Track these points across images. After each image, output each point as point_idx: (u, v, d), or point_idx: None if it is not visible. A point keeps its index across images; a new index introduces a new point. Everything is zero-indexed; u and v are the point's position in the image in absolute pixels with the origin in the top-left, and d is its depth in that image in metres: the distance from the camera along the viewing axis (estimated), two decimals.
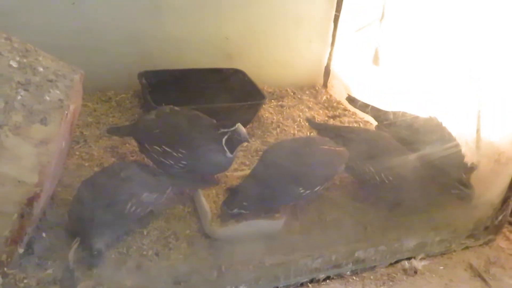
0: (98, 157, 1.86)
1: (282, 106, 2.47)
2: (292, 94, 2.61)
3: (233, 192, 1.56)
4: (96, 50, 2.25)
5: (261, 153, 2.03)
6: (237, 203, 1.52)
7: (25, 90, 1.28)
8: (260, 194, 1.52)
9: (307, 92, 2.66)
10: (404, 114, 1.86)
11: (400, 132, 1.73)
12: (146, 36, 2.33)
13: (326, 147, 1.65)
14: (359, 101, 2.07)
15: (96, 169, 1.78)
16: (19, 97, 1.26)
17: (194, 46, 2.44)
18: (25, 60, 1.35)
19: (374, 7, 2.37)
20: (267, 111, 2.38)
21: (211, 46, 2.48)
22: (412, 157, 1.65)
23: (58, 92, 1.32)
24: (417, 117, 1.81)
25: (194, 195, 1.69)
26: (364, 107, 2.01)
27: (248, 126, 2.23)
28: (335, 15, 2.56)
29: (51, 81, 1.34)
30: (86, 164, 1.80)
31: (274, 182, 1.54)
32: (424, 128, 1.75)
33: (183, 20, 2.38)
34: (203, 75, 2.35)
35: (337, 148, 1.68)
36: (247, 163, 1.96)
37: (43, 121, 1.24)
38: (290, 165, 1.56)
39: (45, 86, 1.31)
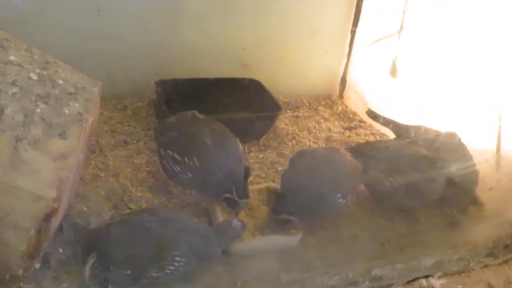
0: (113, 167, 1.85)
1: (297, 117, 2.45)
2: (307, 104, 2.59)
3: (280, 197, 1.54)
4: (113, 57, 2.26)
5: (277, 165, 2.03)
6: (285, 208, 1.51)
7: (45, 103, 1.28)
8: (306, 201, 1.51)
9: (322, 103, 2.64)
10: (426, 130, 1.83)
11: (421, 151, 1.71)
12: (163, 45, 2.33)
13: (349, 158, 1.63)
14: (381, 117, 2.05)
15: (111, 179, 1.78)
16: (38, 110, 1.26)
17: (211, 55, 2.43)
18: (45, 72, 1.35)
19: (391, 19, 2.35)
20: (283, 121, 2.36)
21: (227, 55, 2.47)
22: (434, 174, 1.62)
23: (77, 105, 1.31)
24: (438, 135, 1.79)
25: (209, 209, 1.68)
26: (386, 124, 1.98)
27: (263, 137, 2.21)
28: (352, 29, 2.54)
29: (70, 94, 1.33)
30: (102, 175, 1.79)
31: (317, 189, 1.54)
32: (445, 146, 1.72)
33: (200, 29, 2.38)
34: (219, 85, 2.34)
35: (356, 161, 1.67)
36: (263, 175, 1.94)
37: (62, 135, 1.24)
38: (327, 172, 1.56)
39: (64, 99, 1.31)
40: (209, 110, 2.15)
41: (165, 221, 1.36)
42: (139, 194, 1.74)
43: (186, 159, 1.58)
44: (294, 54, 2.59)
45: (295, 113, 2.48)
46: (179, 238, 1.34)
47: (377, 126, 2.43)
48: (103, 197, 1.67)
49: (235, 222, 1.45)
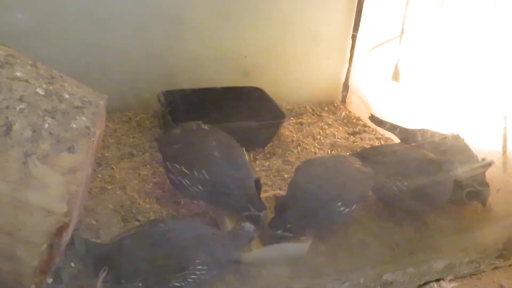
0: (120, 179, 1.85)
1: (301, 124, 2.45)
2: (311, 110, 2.60)
3: (278, 211, 1.54)
4: (116, 69, 2.26)
5: (283, 173, 2.03)
6: (282, 224, 1.51)
7: (52, 118, 1.28)
8: (304, 215, 1.51)
9: (326, 109, 2.64)
10: (432, 134, 1.83)
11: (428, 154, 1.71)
12: (166, 56, 2.34)
13: (357, 165, 1.63)
14: (387, 122, 2.05)
15: (118, 192, 1.78)
16: (46, 125, 1.26)
17: (213, 65, 2.44)
18: (51, 87, 1.35)
19: (392, 24, 2.36)
20: (287, 129, 2.37)
21: (229, 64, 2.48)
22: (442, 177, 1.62)
23: (84, 119, 1.31)
24: (445, 138, 1.79)
25: (217, 217, 1.68)
26: (392, 129, 1.99)
27: (268, 145, 2.21)
28: (353, 34, 2.55)
29: (77, 108, 1.33)
30: (109, 187, 1.79)
31: (316, 201, 1.53)
32: (451, 149, 1.72)
33: (202, 39, 2.38)
34: (222, 94, 2.35)
35: (366, 168, 1.66)
36: (270, 183, 1.94)
37: (71, 149, 1.24)
38: (328, 182, 1.54)
39: (71, 113, 1.31)
40: (213, 119, 2.16)
41: (182, 230, 1.35)
42: (147, 206, 1.74)
43: (195, 172, 1.58)
44: (295, 61, 2.59)
45: (299, 120, 2.49)
46: (198, 246, 1.33)
47: (381, 130, 2.43)
48: (111, 210, 1.68)
49: (247, 225, 1.45)
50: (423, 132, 1.88)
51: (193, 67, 2.40)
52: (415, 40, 2.26)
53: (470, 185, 1.69)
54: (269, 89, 2.43)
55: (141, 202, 1.75)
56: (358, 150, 2.23)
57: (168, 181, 1.71)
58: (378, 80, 2.48)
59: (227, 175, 1.59)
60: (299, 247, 1.58)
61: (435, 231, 1.74)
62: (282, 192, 1.78)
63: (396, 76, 2.37)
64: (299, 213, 1.52)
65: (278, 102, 2.35)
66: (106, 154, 1.98)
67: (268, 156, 2.15)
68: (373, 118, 2.16)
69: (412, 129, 1.94)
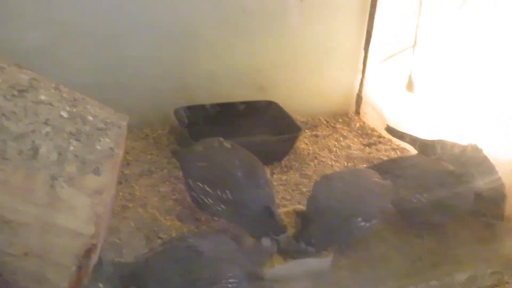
0: (141, 197, 1.87)
1: (316, 136, 2.47)
2: (325, 122, 2.61)
3: (303, 226, 1.54)
4: (131, 87, 2.30)
5: (301, 186, 2.03)
6: (305, 239, 1.52)
7: (77, 140, 1.30)
8: (325, 231, 1.52)
9: (340, 120, 2.65)
10: (452, 146, 1.83)
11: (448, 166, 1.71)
12: (180, 72, 2.37)
13: (376, 179, 1.63)
14: (407, 135, 2.05)
15: (140, 210, 1.79)
16: (71, 148, 1.28)
17: (227, 80, 2.46)
18: (74, 110, 1.37)
19: (404, 34, 2.37)
20: (302, 141, 2.38)
21: (243, 79, 2.50)
22: (462, 189, 1.62)
23: (108, 140, 1.33)
24: (464, 150, 1.79)
25: (239, 235, 1.68)
26: (413, 142, 1.99)
27: (285, 159, 2.22)
28: (365, 47, 2.57)
29: (100, 129, 1.35)
30: (130, 205, 1.81)
31: (336, 217, 1.54)
32: (471, 160, 1.72)
33: (215, 55, 2.41)
34: (237, 108, 2.37)
35: (384, 181, 1.67)
36: (288, 197, 1.95)
37: (96, 171, 1.26)
38: (348, 197, 1.55)
39: (95, 135, 1.33)
40: (230, 134, 2.18)
41: (211, 245, 1.36)
42: (168, 223, 1.75)
43: (218, 192, 1.59)
44: (308, 73, 2.61)
45: (314, 132, 2.50)
46: (229, 260, 1.34)
47: (396, 140, 2.43)
48: (133, 228, 1.69)
49: (265, 240, 1.46)
50: (442, 143, 1.87)
51: (208, 82, 2.43)
52: (428, 50, 2.26)
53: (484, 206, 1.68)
54: (283, 102, 2.45)
55: (162, 220, 1.76)
56: (375, 161, 2.25)
57: (190, 198, 1.72)
58: (392, 91, 2.49)
59: (249, 196, 1.60)
60: (322, 262, 1.58)
61: (457, 243, 1.73)
62: (301, 207, 1.79)
63: (410, 86, 2.38)
64: (321, 228, 1.53)
65: (292, 115, 2.36)
66: (126, 172, 2.00)
67: (285, 170, 2.16)
68: (390, 130, 2.16)
69: (431, 141, 1.94)
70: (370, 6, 2.53)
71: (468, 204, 1.67)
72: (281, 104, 2.43)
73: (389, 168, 1.76)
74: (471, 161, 1.74)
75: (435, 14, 2.22)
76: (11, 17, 2.00)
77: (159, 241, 1.65)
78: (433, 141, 1.93)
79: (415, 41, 2.30)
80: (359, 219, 1.54)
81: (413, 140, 2.01)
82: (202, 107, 2.32)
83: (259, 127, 2.34)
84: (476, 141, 1.90)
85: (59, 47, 2.12)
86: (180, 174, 1.99)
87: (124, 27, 2.22)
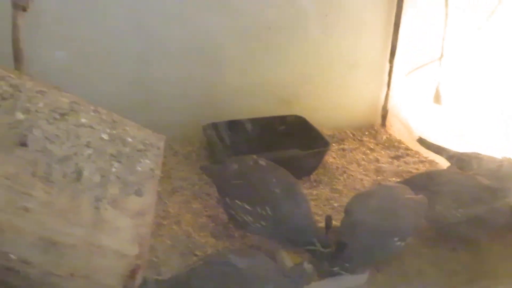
0: (174, 214, 1.89)
1: (344, 150, 2.47)
2: (351, 136, 2.61)
3: (337, 249, 1.55)
4: (159, 104, 2.33)
5: (332, 201, 2.04)
6: (339, 262, 1.53)
7: (118, 162, 1.33)
8: (360, 252, 1.52)
9: (366, 133, 2.65)
10: (488, 160, 1.82)
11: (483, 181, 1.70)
12: (207, 88, 2.41)
13: (409, 196, 1.63)
14: (434, 145, 2.05)
15: (174, 227, 1.82)
16: (113, 170, 1.31)
17: (253, 95, 2.49)
18: (114, 132, 1.41)
19: (430, 46, 2.37)
20: (330, 155, 2.38)
21: (269, 93, 2.52)
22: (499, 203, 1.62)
23: (148, 161, 1.36)
24: (500, 164, 1.78)
25: (275, 253, 1.69)
26: (446, 155, 1.98)
27: (313, 173, 2.23)
28: (390, 59, 2.58)
29: (140, 151, 1.38)
30: (165, 223, 1.83)
31: (372, 238, 1.54)
32: (506, 174, 1.71)
33: (241, 70, 2.44)
34: (265, 123, 2.39)
35: (418, 196, 1.67)
36: (320, 212, 1.95)
37: (138, 192, 1.29)
38: (383, 218, 1.55)
39: (135, 157, 1.36)
40: (258, 149, 2.21)
41: (250, 262, 1.38)
42: (202, 240, 1.77)
43: (258, 209, 1.61)
44: (333, 87, 2.62)
45: (341, 146, 2.50)
46: (268, 279, 1.36)
47: (424, 152, 2.43)
48: (169, 246, 1.71)
49: (307, 266, 1.46)
50: (477, 157, 1.86)
51: (235, 98, 2.46)
52: (456, 61, 2.26)
53: None
54: (309, 116, 2.46)
55: (196, 237, 1.78)
56: (404, 174, 2.24)
57: (226, 216, 1.75)
58: (419, 103, 2.48)
59: (289, 212, 1.62)
60: (358, 278, 1.58)
61: (493, 258, 1.72)
62: (334, 223, 1.79)
63: (437, 98, 2.37)
64: (356, 251, 1.53)
65: (319, 128, 2.37)
66: (158, 189, 2.01)
67: (314, 184, 2.16)
68: (422, 142, 2.16)
69: (465, 154, 1.93)
70: (395, 19, 2.54)
71: (504, 219, 1.66)
72: (307, 118, 2.44)
73: (422, 183, 1.76)
74: (507, 176, 1.73)
75: (460, 26, 2.22)
76: (40, 36, 2.04)
77: (195, 258, 1.67)
78: (467, 154, 1.92)
79: (442, 53, 2.30)
80: (395, 238, 1.54)
81: (446, 153, 2.00)
82: (230, 123, 2.35)
83: (287, 141, 2.36)
84: (506, 153, 1.90)
85: (88, 67, 2.17)
86: (211, 190, 2.02)
87: (151, 46, 2.26)
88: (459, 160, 1.92)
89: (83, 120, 1.40)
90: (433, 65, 2.38)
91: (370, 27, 2.56)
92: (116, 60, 2.24)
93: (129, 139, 1.41)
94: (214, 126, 2.29)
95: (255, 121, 2.38)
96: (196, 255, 1.69)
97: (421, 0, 2.43)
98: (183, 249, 1.71)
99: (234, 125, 2.35)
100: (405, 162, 2.38)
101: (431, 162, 2.37)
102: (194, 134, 2.39)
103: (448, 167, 1.99)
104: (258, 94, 2.49)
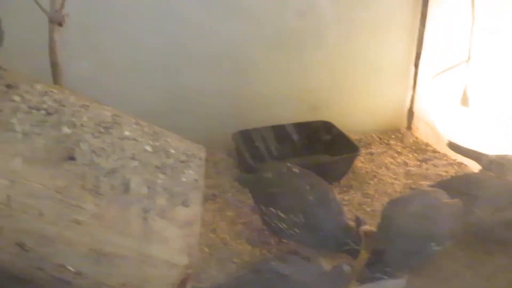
0: (209, 222, 1.92)
1: (371, 154, 2.48)
2: (378, 139, 2.62)
3: (374, 254, 1.56)
4: (187, 113, 2.37)
5: (364, 206, 2.05)
6: (379, 267, 1.53)
7: (163, 173, 1.36)
8: (399, 258, 1.53)
9: (392, 136, 2.66)
10: None
11: None
12: (235, 96, 2.45)
13: (445, 200, 1.64)
14: (472, 151, 2.05)
15: (211, 235, 1.84)
16: (159, 181, 1.34)
17: (279, 101, 2.52)
18: (157, 144, 1.44)
19: (456, 49, 2.38)
20: (359, 160, 2.39)
21: (295, 99, 2.55)
22: None
23: (191, 172, 1.39)
24: None
25: (311, 257, 1.70)
26: (478, 158, 1.99)
27: (343, 178, 2.25)
28: (415, 62, 2.58)
29: (183, 162, 1.42)
30: (202, 231, 1.84)
31: (411, 243, 1.55)
32: None
33: (267, 78, 2.47)
34: (294, 130, 2.42)
35: (454, 200, 1.67)
36: (352, 218, 1.96)
37: (185, 203, 1.31)
38: (421, 223, 1.56)
39: (179, 168, 1.39)
40: (287, 155, 2.23)
41: (293, 268, 1.40)
42: (239, 247, 1.80)
43: (292, 216, 1.64)
44: (359, 91, 2.64)
45: (368, 150, 2.52)
46: (312, 283, 1.38)
47: (453, 155, 2.43)
48: (207, 254, 1.74)
49: (346, 266, 1.48)
50: (509, 160, 1.86)
51: (262, 105, 2.49)
52: (484, 64, 2.26)
53: None
54: (335, 121, 2.48)
55: (233, 244, 1.81)
56: (433, 177, 2.25)
57: (262, 223, 1.77)
58: (446, 106, 2.49)
59: (323, 218, 1.65)
60: (397, 283, 1.59)
61: None
62: (370, 227, 1.80)
63: (465, 101, 2.37)
64: (395, 256, 1.55)
65: (346, 133, 2.39)
66: None
67: (345, 189, 2.18)
68: (452, 145, 2.16)
69: (497, 156, 1.93)
70: (420, 23, 2.55)
71: None
72: (334, 123, 2.46)
73: (457, 187, 1.76)
74: None
75: (486, 28, 2.22)
76: (69, 47, 2.07)
77: (233, 265, 1.69)
78: (499, 157, 1.92)
79: (469, 56, 2.30)
80: (433, 243, 1.55)
81: (477, 156, 2.00)
82: (259, 130, 2.38)
83: (315, 147, 2.39)
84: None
85: (115, 78, 2.22)
86: (243, 197, 2.04)
87: (178, 55, 2.31)
88: (489, 162, 1.92)
89: (126, 133, 1.43)
90: (458, 68, 2.39)
91: (394, 30, 2.58)
92: (144, 70, 2.29)
93: (172, 151, 1.44)
94: (243, 133, 2.32)
95: (283, 128, 2.41)
96: (234, 262, 1.72)
97: (446, 3, 2.43)
98: (221, 256, 1.74)
99: (262, 132, 2.38)
100: (434, 165, 2.39)
101: (460, 164, 2.38)
102: (222, 142, 2.41)
103: (481, 171, 1.99)
104: (285, 101, 2.52)
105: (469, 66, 2.32)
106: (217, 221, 1.93)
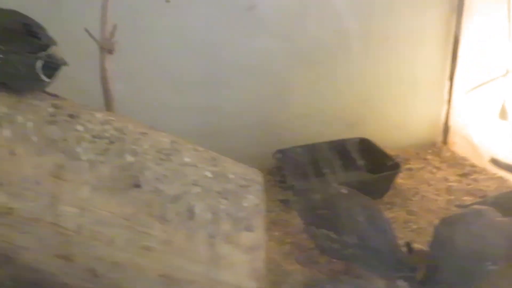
0: None
1: (410, 170, 2.49)
2: (415, 155, 2.63)
3: (429, 273, 1.57)
4: (225, 132, 2.40)
5: (410, 224, 2.06)
6: (435, 286, 1.55)
7: (225, 198, 1.39)
8: (455, 278, 1.54)
9: (429, 151, 2.66)
10: None
11: None
12: (273, 116, 2.47)
13: (499, 218, 1.65)
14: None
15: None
16: (222, 207, 1.37)
17: (317, 120, 2.53)
18: (216, 169, 1.47)
19: (492, 63, 2.39)
20: (399, 176, 2.40)
21: (330, 117, 2.57)
22: None
23: (252, 197, 1.42)
24: None
25: (364, 276, 1.72)
26: None
27: (386, 195, 2.26)
28: (450, 77, 2.60)
29: (243, 186, 1.44)
30: None
31: (466, 263, 1.56)
32: None
33: (304, 95, 2.50)
34: (331, 148, 2.43)
35: (507, 219, 1.68)
36: (401, 236, 1.97)
37: (248, 228, 1.34)
38: (476, 242, 1.57)
39: (239, 193, 1.42)
40: (327, 173, 2.25)
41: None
42: (290, 267, 1.81)
43: (344, 237, 1.65)
44: (394, 106, 2.66)
45: (407, 166, 2.52)
46: None
47: (491, 169, 2.43)
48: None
49: (401, 283, 1.49)
50: None
51: (299, 124, 2.51)
52: None
53: None
54: (371, 137, 2.50)
55: (284, 264, 1.83)
56: (475, 193, 2.25)
57: (314, 244, 1.79)
58: (483, 119, 2.49)
59: (376, 239, 1.66)
60: None
61: None
62: (419, 245, 1.81)
63: (503, 114, 2.38)
64: (450, 276, 1.55)
65: (384, 150, 2.40)
66: None
67: (388, 207, 2.18)
68: (495, 161, 2.16)
69: None
70: (454, 37, 2.57)
71: None
72: (370, 139, 2.48)
73: (505, 203, 1.77)
74: None
75: None
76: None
77: (288, 286, 1.71)
78: None
79: (507, 70, 2.31)
80: (488, 263, 1.56)
81: None
82: (298, 148, 2.40)
83: (354, 165, 2.39)
84: None
85: (153, 98, 2.26)
86: (288, 216, 2.07)
87: (215, 75, 2.35)
88: None
89: (186, 159, 1.47)
90: (495, 81, 2.39)
91: (429, 45, 2.60)
92: (182, 90, 2.32)
93: (231, 176, 1.47)
94: (283, 152, 2.35)
95: (320, 145, 2.42)
96: (288, 283, 1.73)
97: (481, 15, 2.44)
98: (274, 278, 1.75)
99: (301, 151, 2.39)
100: (474, 180, 2.38)
101: (500, 179, 2.37)
102: (259, 161, 2.43)
103: None
104: (321, 119, 2.54)
105: (507, 79, 2.33)
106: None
